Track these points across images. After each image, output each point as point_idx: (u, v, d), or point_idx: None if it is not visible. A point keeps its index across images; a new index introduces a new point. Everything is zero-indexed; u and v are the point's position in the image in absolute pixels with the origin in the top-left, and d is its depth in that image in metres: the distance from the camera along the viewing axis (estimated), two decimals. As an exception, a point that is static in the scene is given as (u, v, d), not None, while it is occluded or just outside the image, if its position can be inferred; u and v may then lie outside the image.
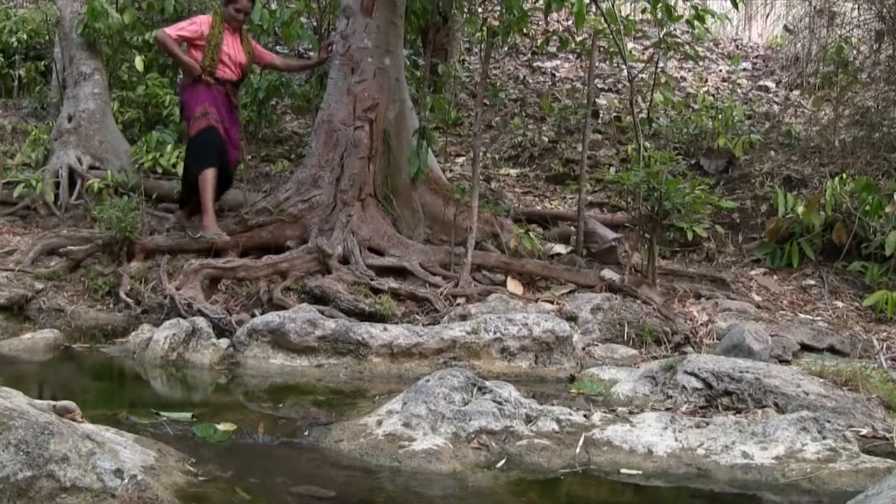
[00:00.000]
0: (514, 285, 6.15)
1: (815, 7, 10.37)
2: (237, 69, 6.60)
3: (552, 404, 3.64)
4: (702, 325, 5.75)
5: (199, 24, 6.47)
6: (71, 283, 6.21)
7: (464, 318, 5.24)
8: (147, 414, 3.49)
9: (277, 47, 11.01)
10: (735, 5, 7.11)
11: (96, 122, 8.27)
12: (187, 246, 6.40)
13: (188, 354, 4.65)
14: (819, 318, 6.23)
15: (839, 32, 9.77)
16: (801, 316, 6.24)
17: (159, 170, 7.87)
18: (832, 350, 5.49)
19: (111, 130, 8.40)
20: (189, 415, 3.52)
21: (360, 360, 4.55)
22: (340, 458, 3.11)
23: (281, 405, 3.91)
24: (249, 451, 3.21)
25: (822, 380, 4.08)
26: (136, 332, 4.90)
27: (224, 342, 4.79)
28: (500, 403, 3.33)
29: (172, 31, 6.46)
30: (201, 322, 4.84)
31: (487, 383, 3.53)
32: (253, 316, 5.34)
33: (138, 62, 8.54)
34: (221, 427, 3.38)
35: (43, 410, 2.67)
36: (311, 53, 11.05)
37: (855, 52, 9.50)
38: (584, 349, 5.10)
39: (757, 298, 6.53)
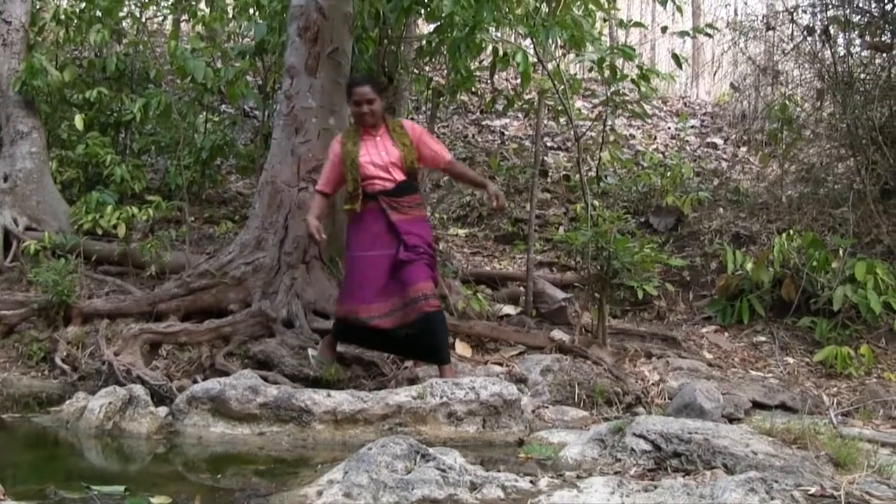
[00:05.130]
0: (462, 347, 6.14)
1: (759, 66, 10.64)
2: (391, 172, 5.40)
3: (499, 470, 3.62)
4: (653, 384, 5.78)
5: (332, 153, 5.57)
6: (4, 349, 6.11)
7: (411, 381, 5.22)
8: (77, 488, 3.39)
9: (223, 106, 11.04)
10: (678, 65, 7.29)
11: (34, 181, 8.17)
12: (127, 310, 6.32)
13: (125, 424, 4.55)
14: (770, 374, 6.31)
15: (783, 90, 10.03)
16: (753, 373, 6.32)
17: (99, 231, 7.76)
18: (784, 407, 5.56)
19: (49, 190, 8.29)
20: (122, 488, 3.43)
21: (304, 428, 4.49)
22: (280, 531, 3.06)
23: (220, 475, 3.83)
24: (185, 525, 3.14)
25: (771, 438, 4.11)
26: (71, 400, 4.80)
27: (163, 410, 4.70)
28: (443, 471, 3.30)
29: (321, 184, 5.64)
30: (139, 389, 4.75)
31: (431, 450, 3.50)
32: (195, 382, 5.26)
33: (78, 121, 8.47)
34: (156, 500, 3.30)
35: (-36, 488, 2.60)
36: (257, 112, 11.08)
37: (798, 109, 9.75)
38: (533, 412, 5.09)
39: (708, 356, 6.60)
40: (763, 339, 7.00)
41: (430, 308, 5.15)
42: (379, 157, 5.40)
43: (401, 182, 5.40)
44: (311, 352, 5.63)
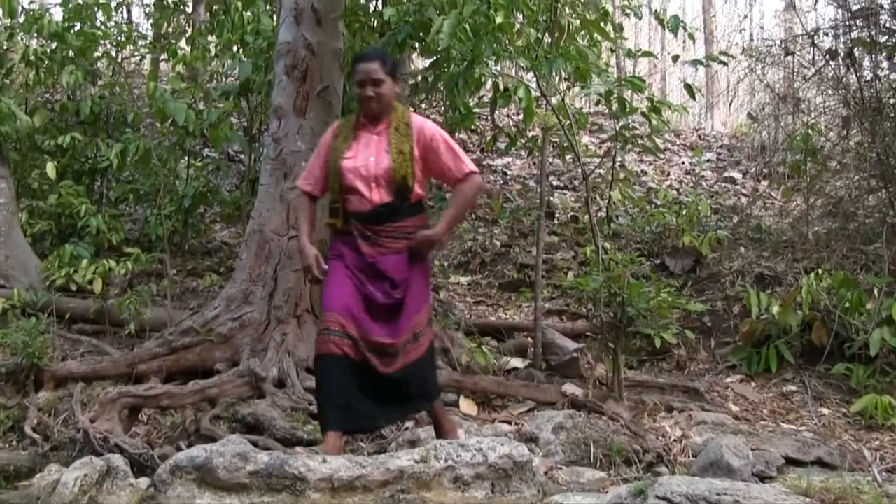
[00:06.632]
0: (467, 405, 6.10)
1: (778, 94, 10.68)
2: (373, 189, 4.57)
3: (511, 540, 3.57)
4: (675, 440, 5.72)
5: (322, 143, 4.85)
6: (-32, 418, 6.04)
7: (413, 443, 5.16)
8: (50, 572, 3.34)
9: (206, 150, 11.08)
10: (691, 95, 7.31)
11: (1, 234, 8.12)
12: (104, 372, 6.27)
13: (102, 497, 4.49)
14: (804, 427, 6.24)
15: (805, 119, 10.06)
16: (784, 426, 6.25)
17: (73, 287, 7.71)
18: (820, 463, 5.47)
19: (18, 244, 8.26)
20: (99, 570, 3.38)
21: (298, 497, 4.43)
22: None
23: (206, 553, 3.78)
24: None
25: (808, 499, 4.05)
26: (42, 473, 4.73)
27: (144, 481, 4.64)
28: (451, 543, 3.24)
29: (305, 181, 4.89)
30: (117, 460, 4.69)
31: (437, 520, 3.46)
32: (178, 449, 5.20)
33: (50, 168, 8.48)
34: (136, 583, 3.24)
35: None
36: (243, 156, 11.12)
37: (823, 139, 9.77)
38: (546, 474, 5.03)
39: (734, 409, 6.54)
40: (794, 388, 6.94)
41: (417, 354, 4.71)
42: (366, 163, 4.59)
43: (379, 206, 4.58)
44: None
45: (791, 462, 5.44)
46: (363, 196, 4.55)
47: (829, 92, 9.44)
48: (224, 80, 10.75)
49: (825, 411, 6.53)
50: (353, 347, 4.57)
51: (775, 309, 7.18)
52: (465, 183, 4.69)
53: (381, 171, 4.53)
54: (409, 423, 5.71)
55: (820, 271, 7.31)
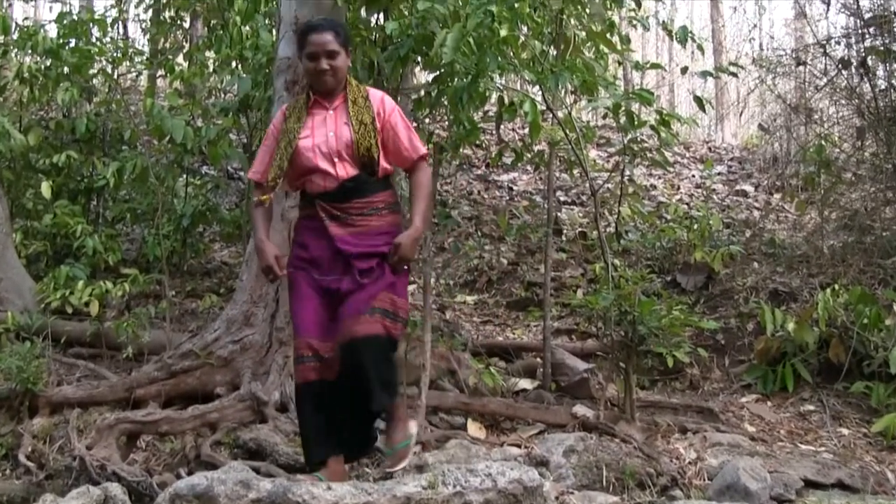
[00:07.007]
0: (475, 428, 6.06)
1: (790, 104, 10.68)
2: (336, 165, 4.37)
3: (523, 570, 3.52)
4: (690, 463, 5.68)
5: (272, 126, 4.65)
6: (-40, 446, 6.01)
7: (420, 468, 5.12)
8: None
9: (204, 168, 11.07)
10: (701, 107, 7.28)
11: (-6, 256, 8.15)
12: (101, 397, 6.23)
13: (99, 528, 4.46)
14: (823, 448, 6.18)
15: (818, 130, 10.05)
16: (803, 447, 6.19)
17: (69, 309, 7.70)
18: (841, 485, 5.42)
19: (12, 265, 8.23)
20: None
21: (301, 525, 4.39)
22: None
23: (207, 586, 3.73)
24: None
25: (829, 524, 4.02)
26: (37, 503, 4.71)
27: (142, 511, 4.62)
28: (461, 574, 3.20)
29: (256, 169, 4.63)
30: (115, 488, 4.65)
31: (447, 550, 3.41)
32: (178, 476, 5.17)
33: (45, 188, 8.45)
34: None
35: None
36: (242, 174, 11.11)
37: (837, 150, 9.76)
38: (557, 499, 4.98)
39: (750, 429, 6.49)
40: (811, 407, 6.89)
41: (372, 330, 4.27)
42: (325, 140, 4.38)
43: (346, 181, 4.38)
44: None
45: (810, 485, 5.39)
46: (327, 174, 4.37)
47: (843, 102, 9.44)
48: (223, 96, 10.78)
49: (845, 431, 6.47)
50: (328, 369, 4.46)
51: (791, 326, 7.14)
52: (421, 171, 4.56)
53: (343, 144, 4.36)
54: (416, 448, 5.67)
55: (836, 286, 7.28)
